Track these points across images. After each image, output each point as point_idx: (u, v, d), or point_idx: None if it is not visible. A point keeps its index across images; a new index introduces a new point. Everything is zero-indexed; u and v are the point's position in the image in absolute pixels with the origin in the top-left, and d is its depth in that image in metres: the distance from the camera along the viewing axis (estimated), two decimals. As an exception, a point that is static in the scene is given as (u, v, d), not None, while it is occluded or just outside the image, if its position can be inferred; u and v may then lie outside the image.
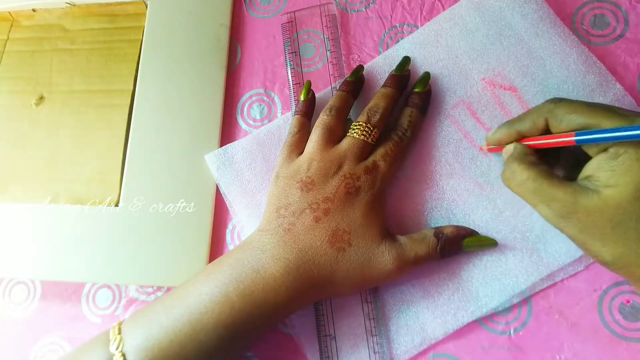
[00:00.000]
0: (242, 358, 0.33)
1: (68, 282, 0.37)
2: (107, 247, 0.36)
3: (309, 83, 0.36)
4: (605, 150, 0.26)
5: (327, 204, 0.30)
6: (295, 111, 0.35)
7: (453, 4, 0.37)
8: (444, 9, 0.37)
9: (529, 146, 0.29)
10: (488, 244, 0.31)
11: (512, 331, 0.31)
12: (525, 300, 0.31)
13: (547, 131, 0.28)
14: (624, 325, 0.29)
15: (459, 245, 0.31)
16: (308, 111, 0.35)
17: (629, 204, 0.24)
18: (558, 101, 0.28)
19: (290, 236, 0.30)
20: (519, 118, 0.30)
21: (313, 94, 0.35)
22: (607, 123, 0.25)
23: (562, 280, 0.31)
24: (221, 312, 0.28)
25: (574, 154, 0.29)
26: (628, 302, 0.30)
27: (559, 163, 0.31)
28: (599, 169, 0.26)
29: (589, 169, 0.26)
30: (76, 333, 0.36)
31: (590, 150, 0.27)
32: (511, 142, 0.30)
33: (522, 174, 0.28)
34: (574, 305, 0.30)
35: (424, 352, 0.31)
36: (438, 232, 0.31)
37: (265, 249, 0.30)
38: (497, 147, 0.32)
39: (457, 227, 0.32)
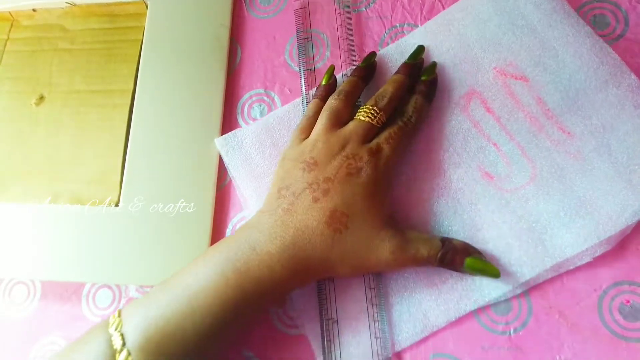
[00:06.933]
0: (242, 358, 0.33)
1: (68, 282, 0.37)
2: (107, 247, 0.36)
3: (333, 68, 0.36)
4: None
5: (327, 184, 0.30)
6: (314, 95, 0.35)
7: (453, 4, 0.37)
8: (444, 9, 0.37)
9: None
10: (490, 271, 0.30)
11: (512, 331, 0.31)
12: (526, 300, 0.31)
13: None
14: (624, 325, 0.29)
15: (461, 259, 0.30)
16: (326, 96, 0.35)
17: None
18: None
19: (288, 216, 0.30)
20: None
21: (335, 80, 0.35)
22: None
23: (562, 281, 0.31)
24: (217, 288, 0.28)
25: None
26: (628, 302, 0.30)
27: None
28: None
29: None
30: (76, 333, 0.36)
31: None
32: None
33: None
34: (574, 305, 0.30)
35: (424, 352, 0.31)
36: (446, 239, 0.31)
37: (262, 228, 0.30)
38: None
39: (467, 243, 0.31)
